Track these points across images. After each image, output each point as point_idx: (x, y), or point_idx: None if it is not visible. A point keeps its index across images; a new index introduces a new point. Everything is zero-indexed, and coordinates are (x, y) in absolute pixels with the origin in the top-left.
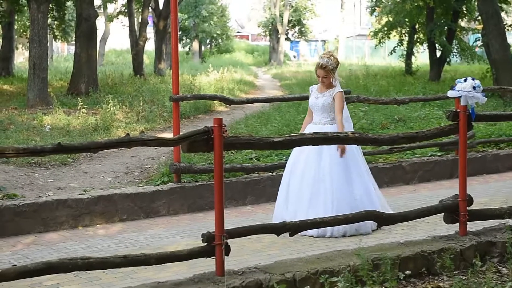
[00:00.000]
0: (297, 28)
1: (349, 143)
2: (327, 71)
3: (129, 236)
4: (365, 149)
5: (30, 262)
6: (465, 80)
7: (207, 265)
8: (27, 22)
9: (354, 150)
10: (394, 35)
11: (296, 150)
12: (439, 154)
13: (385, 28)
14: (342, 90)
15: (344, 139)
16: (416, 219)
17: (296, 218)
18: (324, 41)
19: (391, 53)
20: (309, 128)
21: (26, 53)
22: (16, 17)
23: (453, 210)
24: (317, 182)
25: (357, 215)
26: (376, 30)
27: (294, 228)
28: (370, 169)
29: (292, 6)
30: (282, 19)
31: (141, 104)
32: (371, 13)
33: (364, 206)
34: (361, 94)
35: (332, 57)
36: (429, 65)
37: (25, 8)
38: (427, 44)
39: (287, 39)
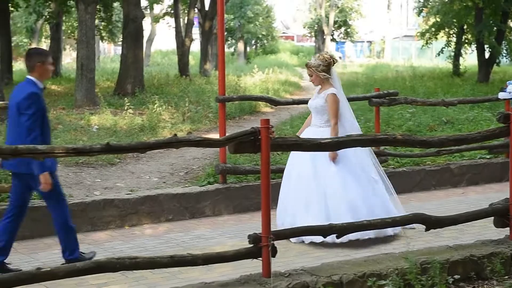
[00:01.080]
0: (343, 29)
1: (398, 145)
2: (310, 69)
3: (175, 236)
4: (412, 151)
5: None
6: None
7: (253, 266)
8: (74, 23)
9: (349, 154)
10: (442, 36)
11: (292, 155)
12: (488, 156)
13: (433, 29)
14: (335, 92)
15: (392, 141)
16: (465, 222)
17: (295, 221)
18: (370, 42)
19: (439, 54)
20: (308, 130)
21: (74, 54)
22: (64, 18)
23: (503, 214)
24: (313, 186)
25: (404, 218)
26: (423, 30)
27: (341, 230)
28: (417, 171)
29: (338, 7)
30: (328, 20)
31: (186, 104)
32: (418, 13)
33: (369, 208)
34: (408, 95)
35: (319, 56)
36: (478, 67)
37: (73, 9)
38: (475, 45)
39: (333, 40)
